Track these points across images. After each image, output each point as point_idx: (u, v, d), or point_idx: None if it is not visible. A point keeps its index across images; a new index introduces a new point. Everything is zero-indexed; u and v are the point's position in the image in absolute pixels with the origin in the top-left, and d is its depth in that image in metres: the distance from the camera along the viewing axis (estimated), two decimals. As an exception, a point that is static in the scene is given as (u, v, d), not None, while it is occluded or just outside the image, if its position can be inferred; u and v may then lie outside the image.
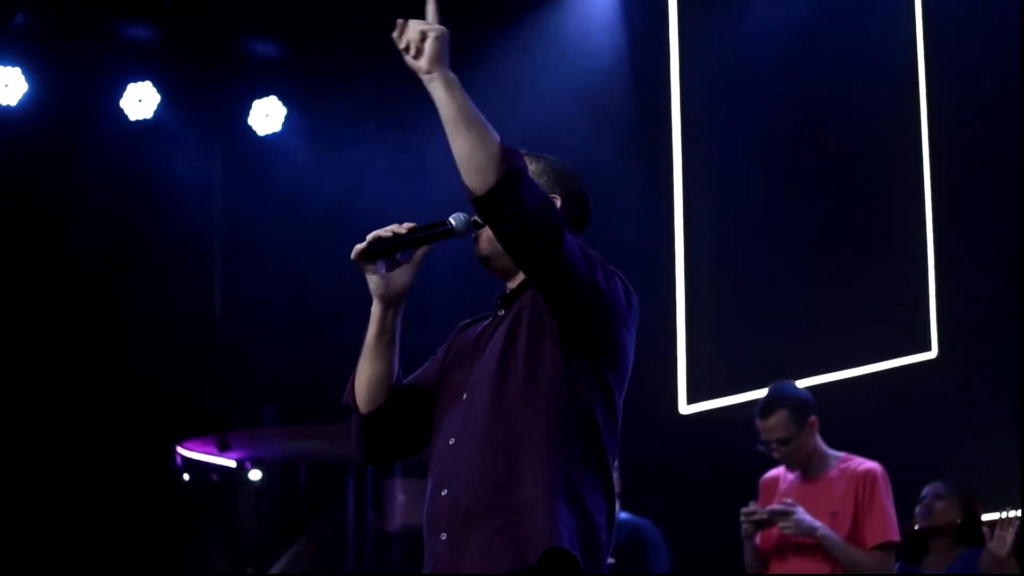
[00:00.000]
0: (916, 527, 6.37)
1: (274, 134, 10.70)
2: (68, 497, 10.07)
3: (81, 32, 10.07)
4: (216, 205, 10.79)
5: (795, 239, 8.61)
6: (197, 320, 10.59)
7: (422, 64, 3.26)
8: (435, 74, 3.26)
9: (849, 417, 7.51)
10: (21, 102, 9.99)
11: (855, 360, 8.09)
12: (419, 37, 3.26)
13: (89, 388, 10.17)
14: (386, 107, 10.43)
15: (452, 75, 3.27)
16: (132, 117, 10.28)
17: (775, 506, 5.94)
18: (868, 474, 5.94)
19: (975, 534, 6.16)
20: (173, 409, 10.18)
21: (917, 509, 6.37)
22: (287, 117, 10.68)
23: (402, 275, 3.50)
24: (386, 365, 3.52)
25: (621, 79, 9.61)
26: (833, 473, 6.01)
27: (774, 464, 6.22)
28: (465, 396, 3.45)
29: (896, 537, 5.89)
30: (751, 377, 8.18)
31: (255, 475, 10.57)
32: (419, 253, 3.51)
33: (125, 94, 10.28)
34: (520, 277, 3.53)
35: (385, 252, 3.44)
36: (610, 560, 7.09)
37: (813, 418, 6.02)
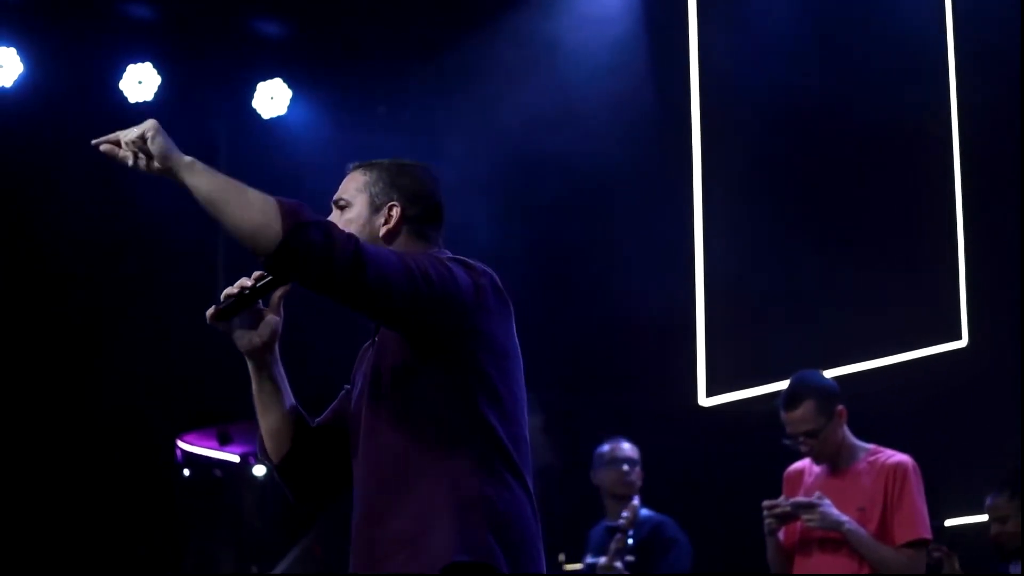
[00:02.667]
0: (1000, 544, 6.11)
1: (279, 117, 10.54)
2: (69, 492, 9.98)
3: (79, 11, 9.94)
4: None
5: (820, 229, 8.49)
6: (199, 310, 10.38)
7: (156, 165, 3.25)
8: (172, 167, 3.24)
9: (878, 407, 7.41)
10: (16, 84, 9.84)
11: (883, 350, 7.98)
12: (140, 143, 3.27)
13: (88, 380, 10.06)
14: (396, 90, 10.30)
15: (188, 158, 3.26)
16: (132, 100, 10.12)
17: (800, 499, 5.66)
18: (898, 467, 5.67)
19: None
20: (174, 401, 10.08)
21: (993, 530, 6.11)
22: (293, 100, 10.51)
23: (266, 323, 3.52)
24: (278, 414, 3.56)
25: (641, 75, 9.57)
26: (862, 466, 5.75)
27: (796, 457, 5.95)
28: (361, 426, 3.44)
29: (927, 534, 5.63)
30: (771, 369, 8.16)
31: (259, 470, 10.36)
32: (276, 296, 3.53)
33: (125, 76, 10.11)
34: None
35: (239, 308, 3.43)
36: (629, 558, 6.91)
37: (841, 407, 5.75)
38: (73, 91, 9.99)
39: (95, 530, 10.00)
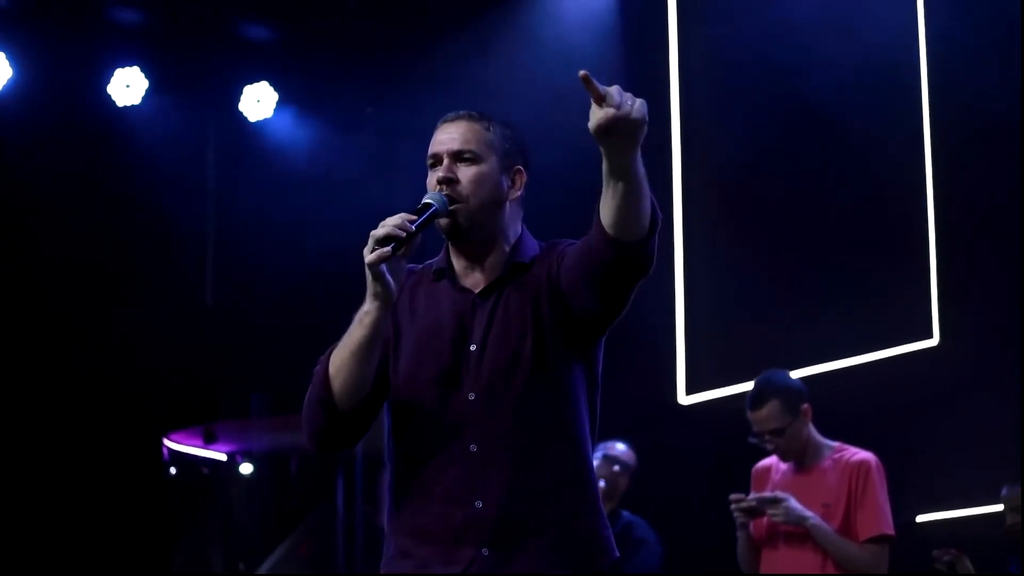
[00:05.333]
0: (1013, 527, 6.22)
1: (266, 120, 10.59)
2: (56, 491, 10.02)
3: (67, 16, 9.96)
4: (207, 193, 10.69)
5: (795, 228, 8.57)
6: (188, 309, 10.50)
7: (635, 115, 3.07)
8: (639, 134, 3.10)
9: (851, 405, 7.53)
10: (6, 88, 9.87)
11: (856, 348, 8.05)
12: (631, 95, 3.10)
13: (76, 378, 10.09)
14: (382, 92, 10.36)
15: None
16: (120, 103, 10.15)
17: (765, 494, 5.78)
18: (862, 465, 5.76)
19: None
20: (162, 400, 10.10)
21: (1008, 523, 6.23)
22: (279, 103, 10.57)
23: (401, 270, 3.32)
24: (373, 367, 3.34)
25: (620, 71, 9.54)
26: (826, 463, 5.84)
27: (769, 454, 6.04)
28: (472, 396, 3.31)
29: (890, 530, 5.71)
30: (751, 367, 8.08)
31: (246, 468, 10.46)
32: (412, 245, 3.33)
33: (113, 79, 10.15)
34: (497, 258, 3.42)
35: (398, 250, 3.24)
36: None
37: (806, 406, 5.85)
38: (61, 95, 10.05)
39: (84, 527, 10.04)
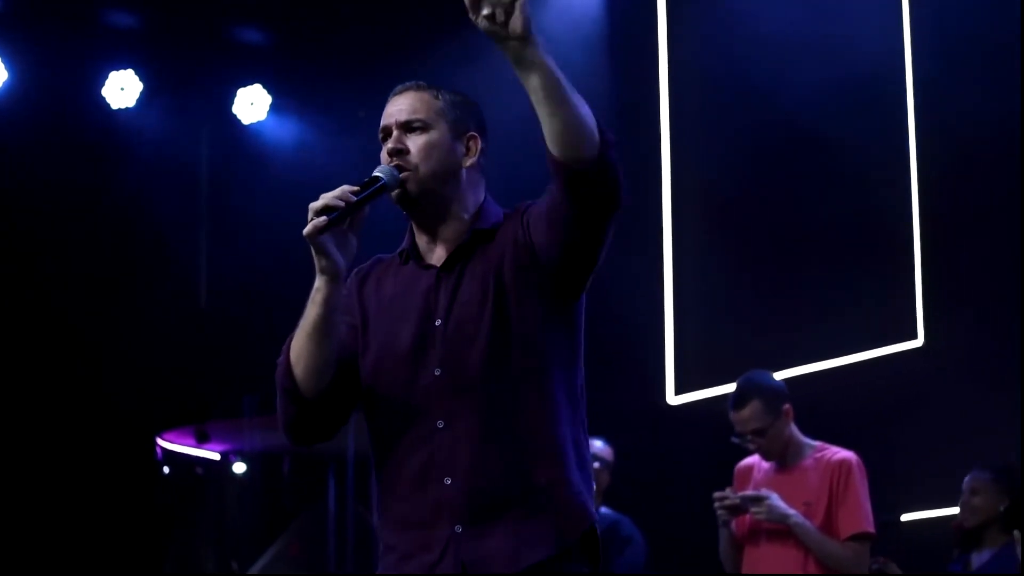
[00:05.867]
0: (962, 525, 6.25)
1: (259, 123, 10.66)
2: (50, 490, 10.05)
3: (62, 19, 10.01)
4: (201, 195, 10.73)
5: (781, 231, 8.60)
6: (181, 310, 10.53)
7: (515, 29, 2.92)
8: (532, 38, 2.95)
9: (836, 405, 7.59)
10: (1, 91, 9.94)
11: (842, 349, 8.08)
12: (508, 3, 2.93)
13: (70, 378, 10.14)
14: (376, 94, 10.35)
15: (542, 40, 3.00)
16: (114, 106, 10.22)
17: (748, 492, 5.84)
18: (843, 464, 5.83)
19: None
20: (156, 400, 10.13)
21: (960, 507, 6.25)
22: (272, 105, 10.63)
23: (349, 244, 3.24)
24: (332, 347, 3.25)
25: (609, 81, 9.57)
26: (808, 463, 5.90)
27: (752, 453, 6.10)
28: (438, 372, 3.21)
29: (870, 528, 5.78)
30: (739, 367, 8.06)
31: (239, 468, 10.50)
32: (359, 218, 3.26)
33: (107, 82, 10.21)
34: (458, 229, 3.32)
35: (338, 222, 3.18)
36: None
37: (787, 406, 5.91)
38: (56, 98, 10.11)
39: (76, 527, 10.07)
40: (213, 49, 10.43)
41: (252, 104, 10.58)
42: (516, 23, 2.93)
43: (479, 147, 3.36)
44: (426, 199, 3.30)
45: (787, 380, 6.57)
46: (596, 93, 9.47)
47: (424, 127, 3.33)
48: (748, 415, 5.89)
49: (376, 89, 11.13)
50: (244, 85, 10.57)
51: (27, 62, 10.01)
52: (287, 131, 10.66)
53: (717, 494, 5.92)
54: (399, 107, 3.36)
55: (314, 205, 3.15)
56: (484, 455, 3.17)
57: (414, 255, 3.37)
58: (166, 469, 10.50)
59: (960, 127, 7.60)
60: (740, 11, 8.91)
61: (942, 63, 7.78)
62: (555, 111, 2.99)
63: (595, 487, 7.26)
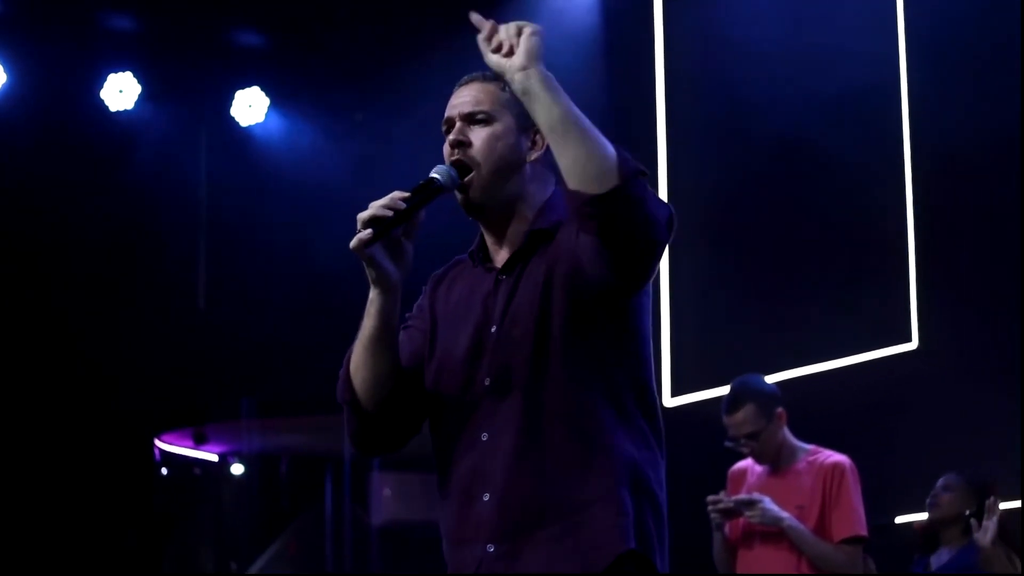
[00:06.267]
0: (926, 520, 6.27)
1: (257, 125, 10.66)
2: (49, 491, 10.05)
3: (60, 21, 10.02)
4: (199, 197, 10.74)
5: (776, 234, 8.61)
6: (180, 313, 10.55)
7: (516, 61, 2.90)
8: (531, 70, 2.89)
9: (831, 408, 7.61)
10: (1, 93, 9.95)
11: (837, 351, 8.09)
12: (515, 32, 2.92)
13: (70, 380, 10.13)
14: (373, 97, 10.38)
15: (549, 74, 2.93)
16: (113, 108, 10.23)
17: (742, 496, 5.86)
18: (836, 467, 5.84)
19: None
20: (155, 401, 10.14)
21: (927, 501, 6.26)
22: (270, 108, 10.64)
23: (404, 253, 3.08)
24: (393, 358, 3.13)
25: (605, 87, 9.58)
26: (801, 466, 5.92)
27: (745, 456, 6.12)
28: (488, 381, 3.07)
29: (863, 531, 5.80)
30: (735, 370, 8.09)
31: (237, 469, 10.52)
32: (414, 225, 3.10)
33: (105, 85, 10.22)
34: (517, 230, 3.17)
35: (385, 233, 3.01)
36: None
37: (780, 410, 5.93)
38: (54, 100, 10.12)
39: (75, 528, 10.07)
40: (211, 51, 10.43)
41: (250, 106, 10.59)
42: (518, 55, 2.90)
43: (545, 141, 3.14)
44: (491, 202, 3.16)
45: (782, 382, 6.60)
46: (592, 101, 9.51)
47: (488, 119, 3.17)
48: (741, 419, 5.91)
49: (374, 92, 11.23)
50: (242, 87, 10.58)
51: (26, 64, 10.02)
52: (285, 133, 10.66)
53: (710, 498, 5.94)
54: (463, 98, 3.21)
55: (361, 216, 3.00)
56: (519, 470, 3.01)
57: (482, 256, 3.24)
58: (164, 471, 10.51)
59: (955, 129, 7.62)
60: (737, 16, 8.93)
61: (937, 68, 7.80)
62: (563, 144, 2.91)
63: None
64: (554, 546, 2.98)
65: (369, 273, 3.06)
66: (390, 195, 3.03)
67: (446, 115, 3.21)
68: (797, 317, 8.34)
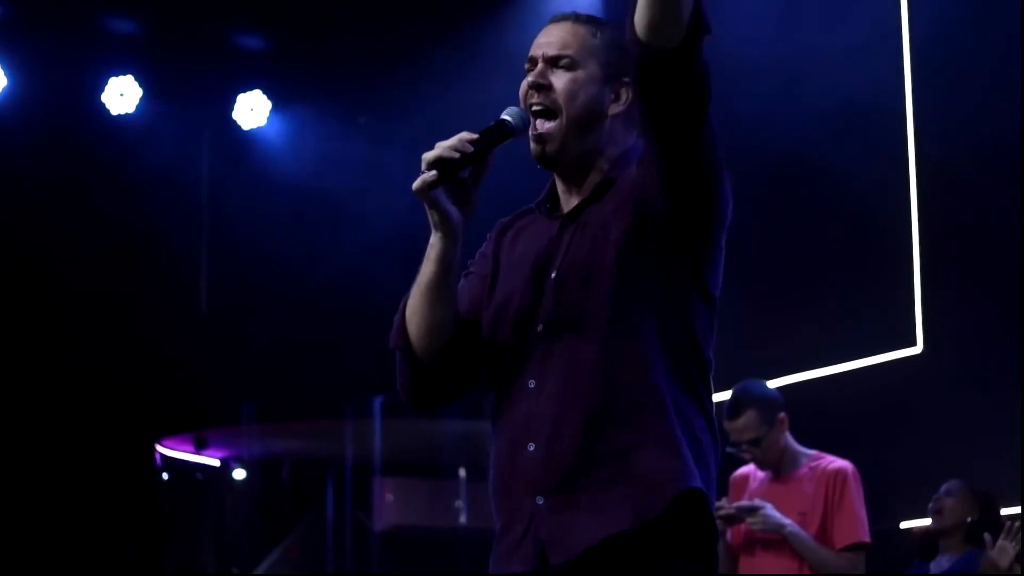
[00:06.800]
0: (928, 526, 6.23)
1: (259, 128, 10.65)
2: (49, 496, 10.04)
3: (61, 25, 10.00)
4: (201, 201, 10.74)
5: (780, 238, 8.58)
6: (182, 316, 10.54)
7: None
8: None
9: (836, 413, 7.59)
10: (1, 96, 9.94)
11: (841, 356, 8.06)
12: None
13: (71, 384, 10.13)
14: (375, 100, 10.38)
15: None
16: (114, 112, 10.21)
17: (743, 502, 5.83)
18: (838, 473, 5.81)
19: (991, 533, 6.01)
20: (155, 406, 10.11)
21: (930, 506, 6.25)
22: (272, 111, 10.63)
23: (469, 198, 2.95)
24: (450, 307, 2.99)
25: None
26: (803, 472, 5.88)
27: (747, 462, 6.09)
28: (541, 327, 2.95)
29: (866, 538, 5.76)
30: (738, 374, 8.11)
31: (239, 474, 10.51)
32: (482, 169, 2.95)
33: (107, 88, 10.21)
34: (591, 181, 3.02)
35: (452, 175, 2.88)
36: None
37: (782, 415, 5.89)
38: (56, 104, 10.10)
39: (76, 532, 10.08)
40: (213, 55, 10.42)
41: (252, 110, 10.59)
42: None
43: (630, 95, 3.00)
44: (566, 155, 3.00)
45: (786, 387, 6.58)
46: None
47: (572, 64, 3.01)
48: (743, 425, 5.87)
49: (376, 95, 11.20)
50: (244, 91, 10.58)
51: (27, 68, 10.01)
52: (287, 137, 10.66)
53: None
54: (550, 39, 3.04)
55: (426, 156, 2.89)
56: (565, 417, 2.87)
57: (550, 205, 3.09)
58: (165, 476, 10.50)
59: (959, 135, 7.61)
60: (740, 29, 8.92)
61: (940, 78, 7.79)
62: None
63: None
64: (604, 492, 2.83)
65: (431, 216, 2.93)
66: (458, 135, 2.90)
67: (530, 53, 3.06)
68: (801, 321, 8.32)
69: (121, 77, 10.20)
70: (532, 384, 2.93)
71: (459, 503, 10.44)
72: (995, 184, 7.37)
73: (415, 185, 2.87)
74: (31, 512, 9.98)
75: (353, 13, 10.13)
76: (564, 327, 2.92)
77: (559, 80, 3.00)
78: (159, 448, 10.42)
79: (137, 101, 10.22)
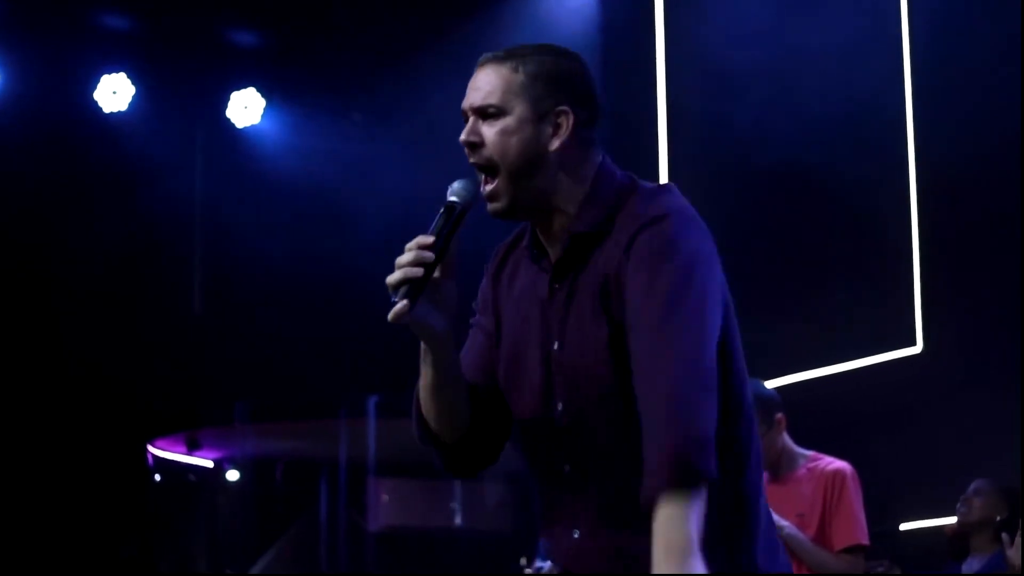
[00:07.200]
0: (955, 524, 6.22)
1: (253, 126, 10.62)
2: (43, 496, 10.02)
3: (53, 22, 9.98)
4: (195, 200, 10.70)
5: (780, 238, 8.60)
6: (175, 316, 10.51)
7: None
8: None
9: (836, 412, 7.61)
10: (-5, 94, 9.91)
11: (841, 356, 8.10)
12: None
13: (64, 385, 10.09)
14: (369, 98, 10.35)
15: None
16: (107, 109, 10.17)
17: (741, 505, 5.76)
18: (837, 475, 5.73)
19: (1009, 532, 5.96)
20: (148, 406, 10.08)
21: (958, 505, 6.21)
22: (266, 109, 10.59)
23: (446, 295, 2.79)
24: (459, 395, 2.89)
25: (605, 74, 9.53)
26: (801, 473, 5.81)
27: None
28: (560, 406, 2.80)
29: (864, 540, 5.69)
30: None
31: (232, 475, 10.47)
32: (451, 260, 2.78)
33: (99, 86, 10.17)
34: (563, 226, 2.82)
35: (421, 290, 2.72)
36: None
37: (780, 416, 5.80)
38: (48, 101, 10.06)
39: (70, 534, 10.04)
40: (207, 52, 10.39)
41: (246, 108, 10.56)
42: None
43: (570, 122, 2.82)
44: (519, 205, 2.83)
45: (786, 386, 6.54)
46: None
47: (499, 112, 2.82)
48: (740, 425, 5.80)
49: (370, 93, 11.17)
50: (238, 88, 10.54)
51: (19, 65, 9.98)
52: (281, 135, 10.62)
53: (709, 506, 5.83)
54: (476, 86, 2.84)
55: (390, 280, 2.71)
56: (609, 512, 2.79)
57: (534, 250, 2.91)
58: (157, 477, 10.47)
59: (959, 136, 7.63)
60: (740, 35, 8.92)
61: (940, 79, 7.82)
62: None
63: None
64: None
65: (415, 331, 2.78)
66: (414, 243, 2.73)
67: (462, 106, 2.87)
68: (801, 321, 8.33)
69: (114, 74, 10.15)
70: (567, 469, 2.83)
71: (454, 504, 10.43)
72: (995, 185, 7.40)
73: (389, 318, 2.71)
74: (25, 513, 9.96)
75: (348, 11, 10.11)
76: (586, 414, 2.79)
77: (489, 133, 2.81)
78: (152, 449, 10.38)
79: (130, 99, 10.18)
